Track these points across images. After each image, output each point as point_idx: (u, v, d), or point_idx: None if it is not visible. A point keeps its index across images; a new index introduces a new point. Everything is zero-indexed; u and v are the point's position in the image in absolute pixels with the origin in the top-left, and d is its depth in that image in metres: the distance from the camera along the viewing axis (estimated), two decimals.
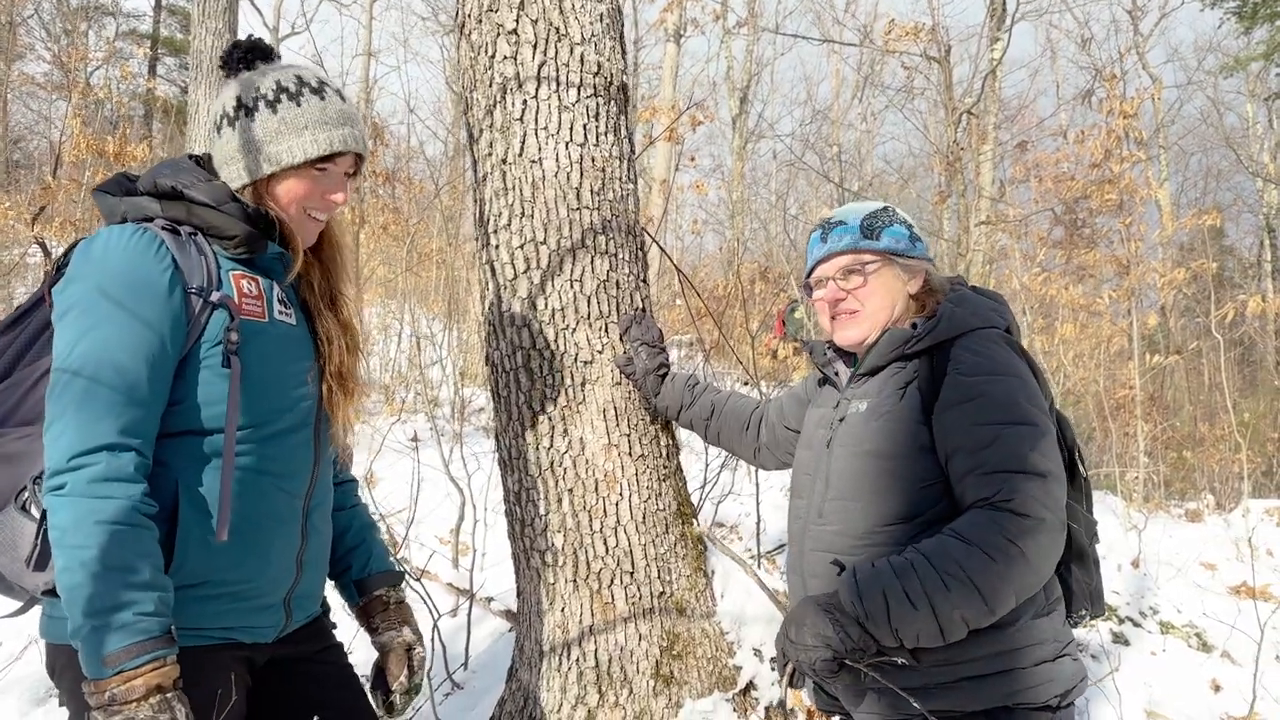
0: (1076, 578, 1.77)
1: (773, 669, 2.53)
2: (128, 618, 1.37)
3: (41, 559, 1.46)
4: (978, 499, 1.56)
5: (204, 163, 1.73)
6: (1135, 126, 8.47)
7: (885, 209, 1.90)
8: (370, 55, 22.78)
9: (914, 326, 1.76)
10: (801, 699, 2.51)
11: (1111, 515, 6.34)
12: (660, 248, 3.29)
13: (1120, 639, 4.53)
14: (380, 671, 1.92)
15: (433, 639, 3.07)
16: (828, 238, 1.90)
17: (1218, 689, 4.05)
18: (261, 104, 1.65)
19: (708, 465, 4.05)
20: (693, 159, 11.91)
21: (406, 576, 3.21)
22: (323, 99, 1.68)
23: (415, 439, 5.51)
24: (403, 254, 9.16)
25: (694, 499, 3.97)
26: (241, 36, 1.78)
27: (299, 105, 1.65)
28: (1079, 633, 4.46)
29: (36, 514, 1.47)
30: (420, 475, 4.46)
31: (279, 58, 1.75)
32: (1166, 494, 7.97)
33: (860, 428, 1.76)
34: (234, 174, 1.66)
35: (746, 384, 4.14)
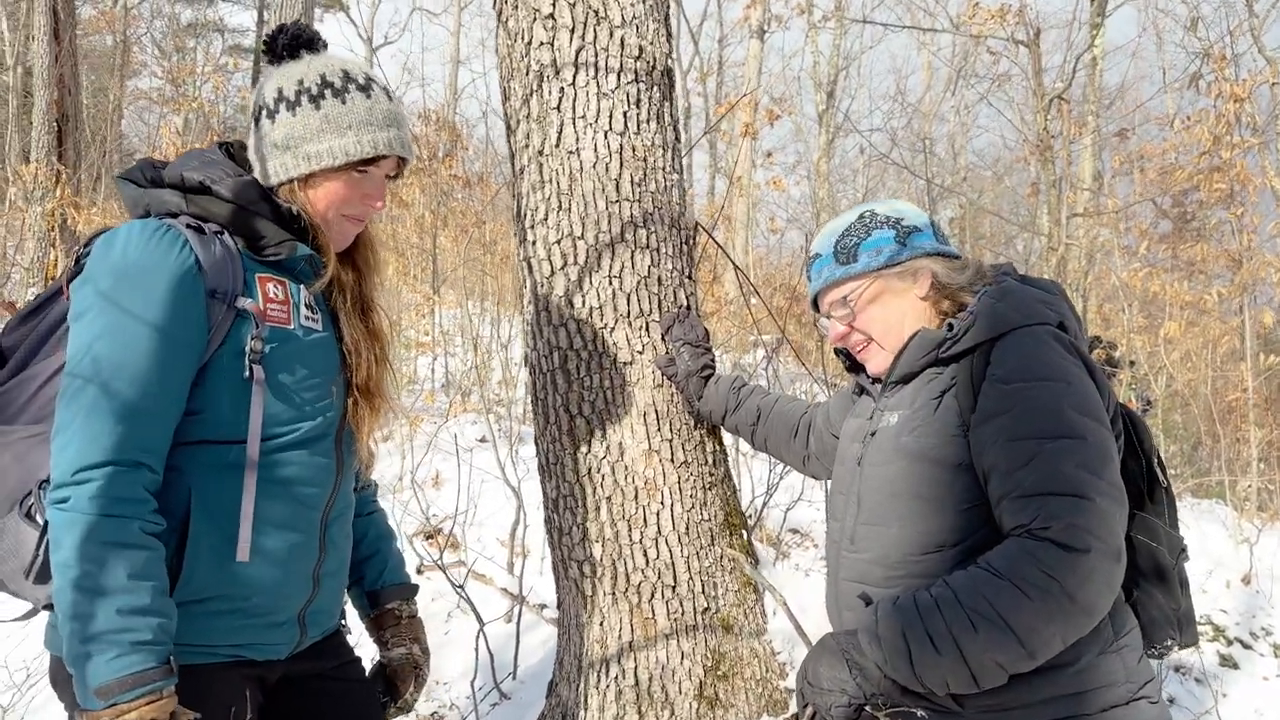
0: (1158, 603, 1.54)
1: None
2: (123, 646, 1.29)
3: (43, 572, 1.39)
4: (1015, 526, 1.36)
5: (235, 152, 1.65)
6: (1248, 111, 7.90)
7: (860, 218, 1.70)
8: (457, 62, 23.17)
9: (950, 327, 1.55)
10: None
11: (1221, 527, 5.91)
12: (716, 243, 3.14)
13: (1228, 662, 4.20)
14: (380, 680, 1.85)
15: (476, 647, 2.99)
16: (810, 275, 1.75)
17: None
18: (304, 98, 1.55)
19: (771, 469, 3.87)
20: (769, 155, 11.64)
21: (451, 584, 3.15)
22: (369, 97, 1.57)
23: (482, 439, 5.48)
24: (483, 257, 9.21)
25: (758, 504, 3.81)
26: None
27: (344, 103, 1.55)
28: (1178, 654, 4.14)
29: (41, 522, 1.40)
30: (482, 477, 4.41)
31: (325, 47, 1.64)
32: None
33: (891, 442, 1.57)
34: (270, 170, 1.56)
35: (834, 386, 3.95)
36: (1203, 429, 7.54)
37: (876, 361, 1.69)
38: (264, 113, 1.58)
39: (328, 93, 1.55)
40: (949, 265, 1.65)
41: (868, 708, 1.40)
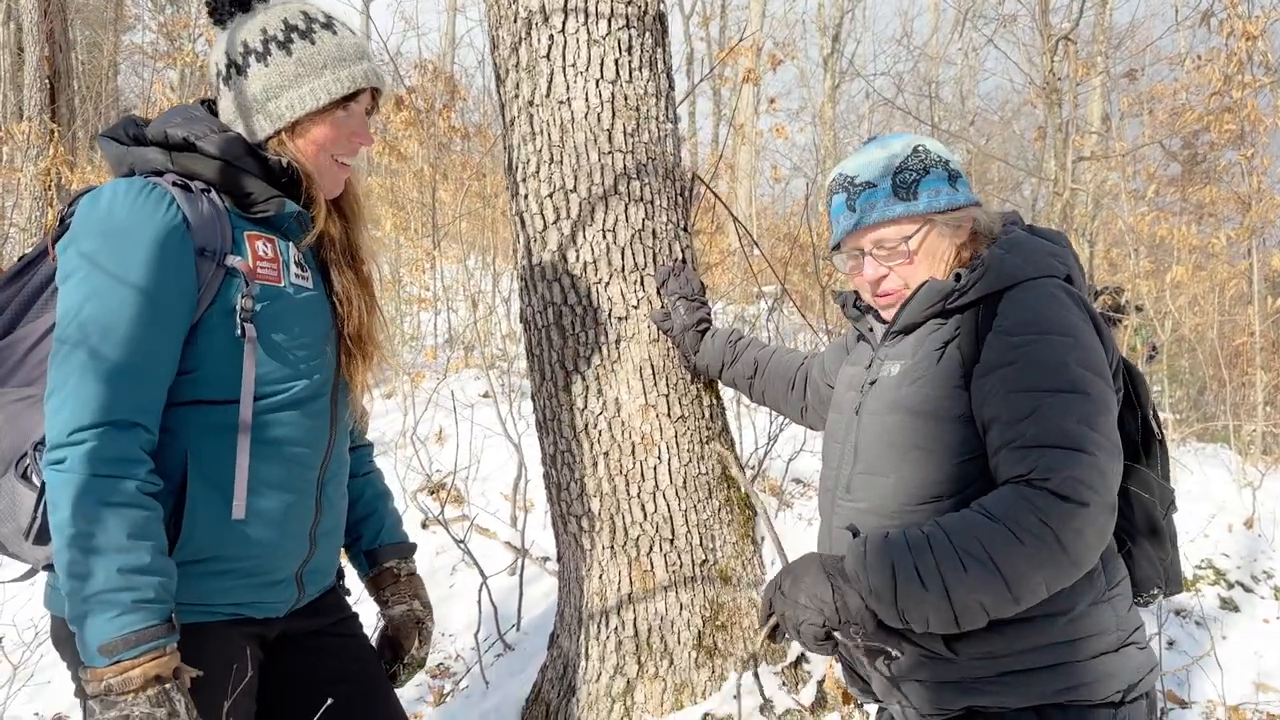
0: (1148, 555, 1.55)
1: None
2: (125, 604, 1.30)
3: (41, 533, 1.40)
4: (1013, 475, 1.35)
5: (216, 108, 1.61)
6: (1260, 49, 7.72)
7: (915, 151, 1.58)
8: (454, 10, 22.73)
9: (957, 278, 1.51)
10: (835, 679, 2.35)
11: (1225, 471, 5.91)
12: (715, 195, 3.10)
13: (1229, 605, 4.22)
14: (386, 642, 1.85)
15: (479, 599, 3.02)
16: (855, 205, 1.60)
17: None
18: (273, 46, 1.52)
19: (772, 419, 3.86)
20: (772, 101, 11.44)
21: (453, 539, 3.17)
22: (335, 34, 1.56)
23: (485, 394, 5.49)
24: (484, 210, 9.12)
25: (760, 455, 3.82)
26: None
27: (313, 44, 1.53)
28: (1179, 597, 4.16)
29: (38, 483, 1.40)
30: (484, 433, 4.42)
31: None
32: None
33: (891, 393, 1.55)
34: (255, 126, 1.54)
35: (831, 334, 3.94)
36: (1209, 374, 7.51)
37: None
38: (233, 70, 1.55)
39: (295, 36, 1.53)
40: (988, 215, 1.60)
41: (838, 634, 1.39)
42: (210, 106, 1.62)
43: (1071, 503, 1.29)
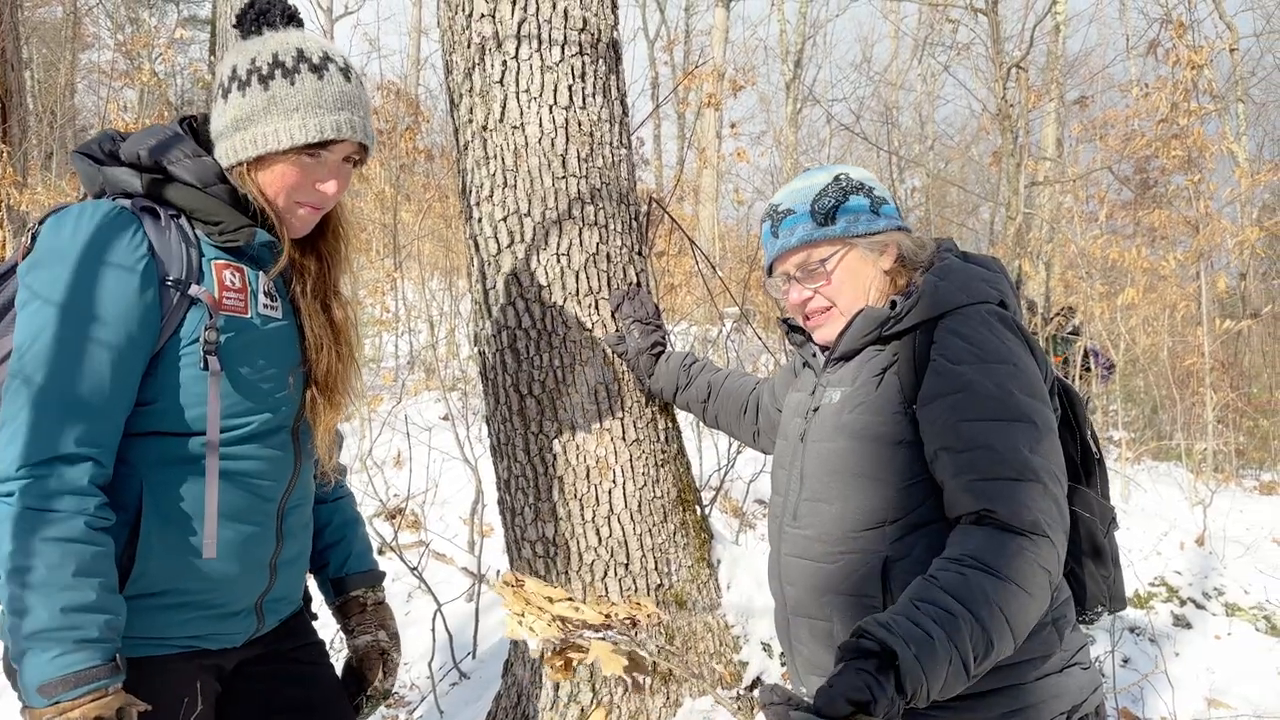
0: (1091, 574, 1.57)
1: (782, 664, 2.38)
2: (66, 644, 1.26)
3: None
4: (977, 510, 1.35)
5: (199, 126, 1.56)
6: (1207, 77, 7.94)
7: (836, 179, 1.64)
8: (420, 32, 22.71)
9: (893, 305, 1.54)
10: None
11: (1176, 489, 6.02)
12: (673, 219, 3.12)
13: (1181, 622, 4.28)
14: (351, 673, 1.81)
15: (434, 627, 2.98)
16: (779, 231, 1.66)
17: None
18: (254, 78, 1.46)
19: (731, 441, 3.87)
20: (734, 126, 11.57)
21: (406, 565, 3.14)
22: (320, 79, 1.48)
23: (444, 417, 5.45)
24: (446, 231, 9.09)
25: (716, 479, 3.82)
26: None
27: (292, 84, 1.46)
28: (1132, 614, 4.22)
29: None
30: (442, 456, 4.38)
31: (286, 24, 1.54)
32: (1240, 465, 7.56)
33: (833, 419, 1.56)
34: (221, 151, 1.49)
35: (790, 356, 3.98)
36: (1161, 394, 7.66)
37: (832, 329, 1.65)
38: (220, 92, 1.51)
39: (278, 73, 1.47)
40: (913, 241, 1.64)
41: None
42: (191, 124, 1.57)
43: (1045, 538, 1.31)
